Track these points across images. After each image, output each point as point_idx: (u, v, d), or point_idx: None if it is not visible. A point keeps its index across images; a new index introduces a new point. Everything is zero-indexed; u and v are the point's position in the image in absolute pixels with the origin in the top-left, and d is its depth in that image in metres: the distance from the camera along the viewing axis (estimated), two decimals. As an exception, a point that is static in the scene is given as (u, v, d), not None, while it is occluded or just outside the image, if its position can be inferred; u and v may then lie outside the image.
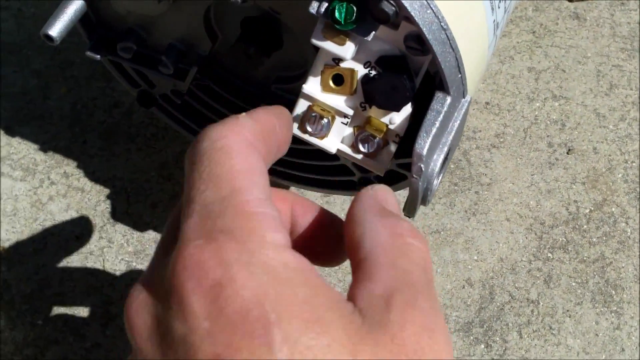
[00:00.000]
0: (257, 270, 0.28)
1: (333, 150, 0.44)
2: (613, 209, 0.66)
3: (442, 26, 0.40)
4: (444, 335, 0.29)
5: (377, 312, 0.29)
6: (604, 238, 0.65)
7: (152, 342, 0.29)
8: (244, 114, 0.34)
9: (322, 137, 0.44)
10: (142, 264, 0.63)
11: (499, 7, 0.45)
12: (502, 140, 0.69)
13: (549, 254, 0.64)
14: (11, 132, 0.68)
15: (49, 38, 0.47)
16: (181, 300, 0.28)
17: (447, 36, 0.40)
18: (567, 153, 0.69)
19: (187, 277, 0.28)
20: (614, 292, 0.63)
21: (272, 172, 0.57)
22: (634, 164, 0.68)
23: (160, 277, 0.30)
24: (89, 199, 0.65)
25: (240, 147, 0.32)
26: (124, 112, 0.69)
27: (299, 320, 0.27)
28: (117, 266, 0.63)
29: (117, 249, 0.63)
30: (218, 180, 0.31)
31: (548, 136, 0.70)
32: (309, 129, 0.44)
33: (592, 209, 0.66)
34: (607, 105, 0.71)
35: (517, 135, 0.69)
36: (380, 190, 0.35)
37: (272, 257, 0.29)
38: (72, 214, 0.65)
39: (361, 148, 0.44)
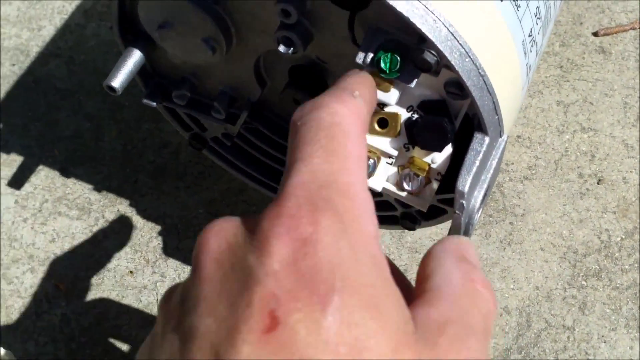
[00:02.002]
0: (343, 244, 0.29)
1: (379, 189, 0.47)
2: (644, 237, 0.69)
3: (480, 73, 0.43)
4: None
5: (428, 332, 0.30)
6: (636, 265, 0.67)
7: (218, 264, 0.29)
8: (357, 92, 0.35)
9: (368, 177, 0.47)
10: (193, 297, 0.66)
11: (530, 52, 0.48)
12: (534, 172, 0.72)
13: (583, 282, 0.67)
14: (66, 173, 0.71)
15: (112, 89, 0.50)
16: (265, 240, 0.28)
17: (485, 82, 0.43)
18: (598, 183, 0.71)
19: (278, 224, 0.29)
20: (647, 317, 0.65)
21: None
22: (662, 193, 0.71)
23: (250, 219, 0.30)
24: (142, 235, 0.69)
25: (356, 131, 0.33)
26: (172, 151, 0.73)
27: (360, 298, 0.28)
28: (168, 299, 0.66)
29: (170, 282, 0.67)
30: (331, 154, 0.31)
31: (578, 167, 0.72)
32: (356, 169, 0.47)
33: (624, 237, 0.69)
34: (634, 136, 0.74)
35: (549, 167, 0.72)
36: (464, 241, 0.35)
37: (360, 241, 0.29)
38: (126, 250, 0.68)
39: (405, 186, 0.47)
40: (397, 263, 0.67)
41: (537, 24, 0.49)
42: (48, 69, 0.77)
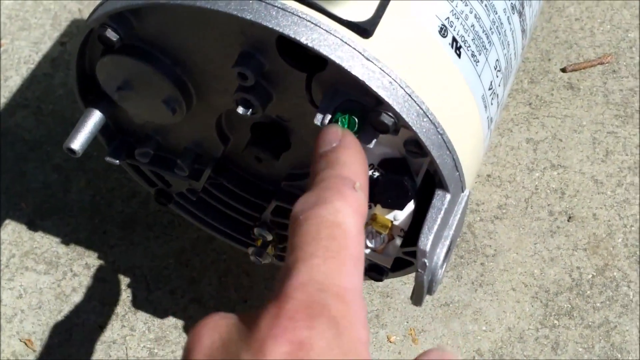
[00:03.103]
0: (336, 351, 0.30)
1: (342, 247, 0.47)
2: (615, 274, 0.69)
3: (438, 131, 0.43)
4: None
5: None
6: (608, 302, 0.67)
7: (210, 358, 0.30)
8: (358, 184, 0.36)
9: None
10: (164, 350, 0.65)
11: (491, 104, 0.48)
12: (504, 211, 0.72)
13: (555, 321, 0.67)
14: (34, 226, 0.71)
15: (72, 151, 0.50)
16: (262, 339, 0.29)
17: (444, 140, 0.43)
18: (568, 220, 0.72)
19: (276, 325, 0.30)
20: (619, 355, 0.65)
21: (283, 259, 0.59)
22: (633, 228, 0.71)
23: (246, 316, 0.31)
24: (110, 288, 0.68)
25: (357, 229, 0.34)
26: (141, 201, 0.72)
27: None
28: (139, 353, 0.65)
29: (139, 336, 0.66)
30: (331, 256, 0.32)
31: (549, 205, 0.72)
32: (319, 227, 0.46)
33: (595, 274, 0.69)
34: (604, 172, 0.74)
35: (519, 205, 0.72)
36: (448, 355, 0.36)
37: (352, 348, 0.30)
38: (95, 304, 0.67)
39: (368, 244, 0.47)
40: (368, 308, 0.67)
41: (497, 76, 0.49)
42: (15, 120, 0.77)
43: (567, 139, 0.76)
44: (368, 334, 0.32)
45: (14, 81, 0.79)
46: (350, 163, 0.37)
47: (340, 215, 0.34)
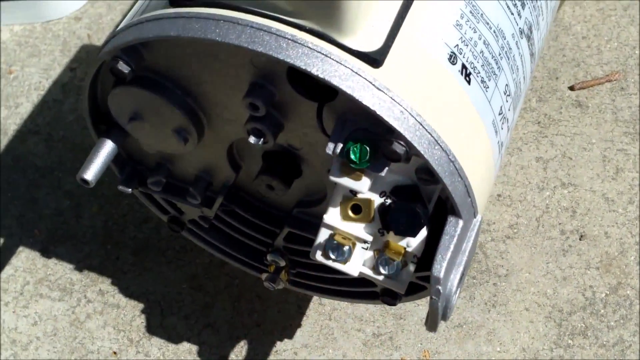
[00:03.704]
0: None
1: (355, 274, 0.47)
2: (628, 292, 0.69)
3: (450, 159, 0.43)
4: None
5: None
6: (622, 321, 0.67)
7: None
8: None
9: (344, 262, 0.47)
10: (178, 374, 0.66)
11: (502, 129, 0.48)
12: (515, 231, 0.72)
13: (570, 341, 0.67)
14: (47, 253, 0.71)
15: (85, 182, 0.50)
16: None
17: (456, 167, 0.43)
18: (580, 239, 0.71)
19: None
20: (635, 374, 0.65)
21: (297, 284, 0.60)
22: (645, 246, 0.71)
23: None
24: (125, 314, 0.68)
25: None
26: (153, 227, 0.72)
27: None
28: (154, 378, 0.66)
29: (154, 361, 0.66)
30: None
31: (560, 224, 0.72)
32: (331, 255, 0.47)
33: (608, 292, 0.69)
34: (615, 190, 0.74)
35: (530, 225, 0.72)
36: None
37: None
38: (109, 330, 0.68)
39: (382, 270, 0.47)
40: (382, 330, 0.67)
41: (507, 101, 0.49)
42: (26, 146, 0.77)
43: (576, 157, 0.76)
44: None
45: (25, 108, 0.80)
46: None
47: None
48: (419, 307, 0.68)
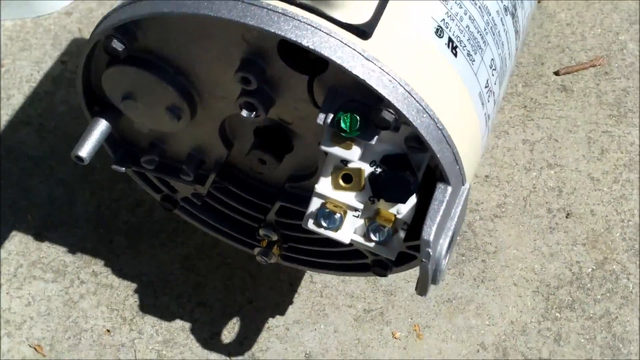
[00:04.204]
0: None
1: (346, 241, 0.48)
2: (614, 267, 0.70)
3: (437, 126, 0.44)
4: None
5: None
6: (608, 294, 0.69)
7: None
8: None
9: (336, 230, 0.48)
10: (172, 352, 0.67)
11: (488, 102, 0.50)
12: (503, 210, 0.73)
13: (557, 314, 0.68)
14: (40, 237, 0.72)
15: (80, 159, 0.51)
16: None
17: (444, 134, 0.44)
18: (566, 217, 0.73)
19: None
20: (621, 345, 0.66)
21: (289, 259, 0.61)
22: (630, 223, 0.72)
23: None
24: (118, 294, 0.69)
25: None
26: (146, 210, 0.73)
27: None
28: (148, 355, 0.66)
29: (147, 339, 0.67)
30: None
31: (547, 203, 0.74)
32: (323, 223, 0.48)
33: (594, 268, 0.70)
34: (600, 169, 0.75)
35: (518, 204, 0.73)
36: None
37: None
38: (103, 309, 0.68)
39: (373, 237, 0.48)
40: (372, 306, 0.68)
41: (492, 75, 0.50)
42: (19, 136, 0.78)
43: (562, 139, 0.77)
44: None
45: (17, 99, 0.80)
46: None
47: None
48: (408, 284, 0.69)
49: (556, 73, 0.81)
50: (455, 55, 0.47)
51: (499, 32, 0.51)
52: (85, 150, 0.51)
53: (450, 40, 0.47)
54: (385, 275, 0.56)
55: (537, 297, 0.69)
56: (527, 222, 0.73)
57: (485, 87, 0.49)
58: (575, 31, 0.84)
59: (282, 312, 0.68)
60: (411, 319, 0.68)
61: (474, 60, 0.48)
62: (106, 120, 0.52)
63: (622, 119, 0.78)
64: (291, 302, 0.69)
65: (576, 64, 0.82)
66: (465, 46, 0.47)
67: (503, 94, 0.54)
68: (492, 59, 0.50)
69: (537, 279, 0.70)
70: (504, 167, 0.76)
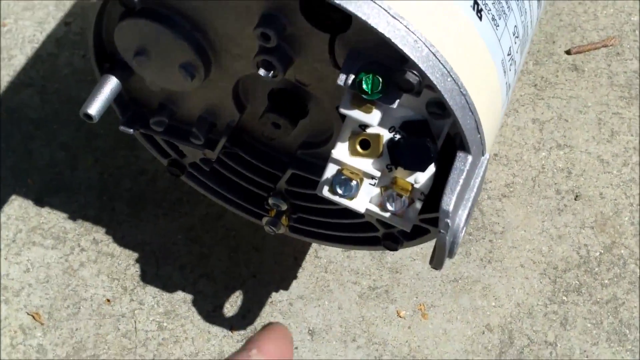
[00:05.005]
0: None
1: (362, 210, 0.47)
2: (622, 251, 0.69)
3: (461, 92, 0.43)
4: None
5: None
6: (615, 279, 0.68)
7: None
8: (254, 351, 0.34)
9: (351, 198, 0.47)
10: (173, 324, 0.65)
11: (510, 70, 0.48)
12: (511, 189, 0.72)
13: (564, 297, 0.67)
14: (41, 202, 0.71)
15: (89, 117, 0.50)
16: None
17: (467, 101, 0.43)
18: (575, 199, 0.72)
19: None
20: (628, 331, 0.66)
21: (298, 231, 0.60)
22: (639, 207, 0.71)
23: None
24: (119, 263, 0.68)
25: None
26: (149, 179, 0.72)
27: None
28: (148, 327, 0.65)
29: (148, 310, 0.66)
30: None
31: (555, 184, 0.72)
32: (338, 190, 0.46)
33: (602, 251, 0.69)
34: (609, 152, 0.74)
35: (526, 184, 0.72)
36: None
37: None
38: (103, 278, 0.67)
39: (389, 207, 0.47)
40: (377, 284, 0.67)
41: (515, 42, 0.49)
42: (20, 98, 0.76)
43: (572, 119, 0.76)
44: None
45: (19, 60, 0.79)
46: (259, 337, 0.35)
47: None
48: (415, 262, 0.68)
49: (567, 52, 0.80)
50: (480, 18, 0.45)
51: None
52: (95, 108, 0.50)
53: (475, 2, 0.45)
54: (396, 249, 0.55)
55: (544, 279, 0.68)
56: (536, 203, 0.71)
57: (508, 54, 0.48)
58: (588, 10, 0.83)
59: (286, 287, 0.67)
60: (416, 297, 0.67)
61: (498, 26, 0.47)
62: (116, 77, 0.51)
63: (633, 101, 0.77)
64: (295, 277, 0.67)
65: (588, 44, 0.81)
66: (490, 10, 0.46)
67: (522, 65, 0.53)
68: (515, 26, 0.49)
69: (545, 261, 0.69)
70: (513, 146, 0.74)
